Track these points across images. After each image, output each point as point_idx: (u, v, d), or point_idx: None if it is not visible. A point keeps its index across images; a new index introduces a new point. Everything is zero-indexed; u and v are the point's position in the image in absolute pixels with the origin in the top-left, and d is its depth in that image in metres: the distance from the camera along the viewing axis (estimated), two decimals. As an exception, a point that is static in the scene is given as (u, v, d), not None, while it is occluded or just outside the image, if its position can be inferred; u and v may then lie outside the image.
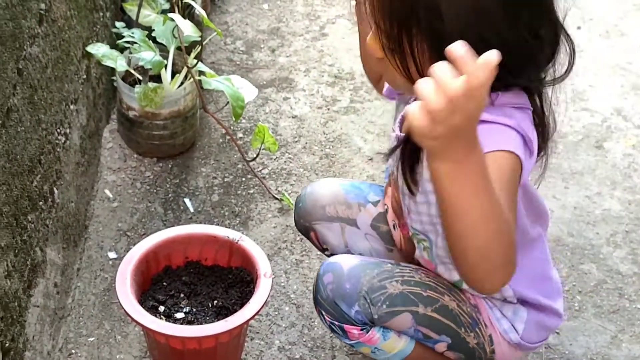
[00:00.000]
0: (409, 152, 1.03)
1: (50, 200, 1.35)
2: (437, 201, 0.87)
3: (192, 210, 1.64)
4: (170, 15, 1.55)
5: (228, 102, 1.56)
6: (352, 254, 1.31)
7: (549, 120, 1.04)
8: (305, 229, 1.34)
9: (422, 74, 0.92)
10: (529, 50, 0.95)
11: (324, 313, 1.18)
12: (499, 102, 0.98)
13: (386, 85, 1.20)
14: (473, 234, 0.85)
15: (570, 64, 0.99)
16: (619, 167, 1.78)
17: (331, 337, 1.41)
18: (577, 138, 1.86)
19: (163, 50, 1.65)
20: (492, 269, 0.89)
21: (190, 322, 1.27)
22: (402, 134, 1.09)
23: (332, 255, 1.33)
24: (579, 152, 1.81)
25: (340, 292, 1.15)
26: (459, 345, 1.20)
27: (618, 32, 2.20)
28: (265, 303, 1.25)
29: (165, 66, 1.62)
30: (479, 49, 0.74)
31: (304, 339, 1.41)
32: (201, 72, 1.61)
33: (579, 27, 2.20)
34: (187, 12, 1.76)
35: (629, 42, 2.16)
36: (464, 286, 1.20)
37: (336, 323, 1.17)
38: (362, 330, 1.17)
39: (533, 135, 1.00)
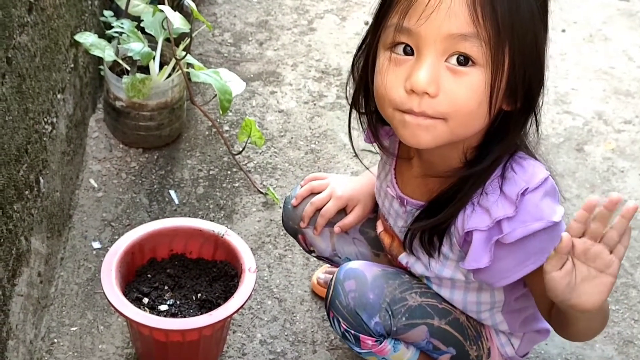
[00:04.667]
0: (430, 227, 1.07)
1: (36, 189, 1.35)
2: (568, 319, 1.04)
3: (177, 202, 1.64)
4: (160, 6, 1.55)
5: (215, 95, 1.56)
6: (339, 257, 1.32)
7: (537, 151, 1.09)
8: (294, 231, 1.33)
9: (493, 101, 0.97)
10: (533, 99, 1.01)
11: (340, 319, 1.14)
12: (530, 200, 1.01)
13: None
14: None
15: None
16: (598, 171, 1.81)
17: (312, 331, 1.43)
18: (558, 140, 1.88)
19: (151, 41, 1.65)
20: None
21: (174, 315, 1.28)
22: (422, 203, 1.10)
23: (319, 256, 1.34)
24: (560, 155, 1.84)
25: (362, 301, 1.12)
26: (462, 356, 1.20)
27: (602, 36, 2.23)
28: (249, 297, 1.26)
29: (154, 57, 1.62)
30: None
31: (285, 333, 1.42)
32: (189, 65, 1.61)
33: (563, 30, 2.23)
34: (176, 3, 1.76)
35: (612, 47, 2.19)
36: None
37: (352, 332, 1.14)
38: (376, 341, 1.15)
39: (556, 198, 1.06)
